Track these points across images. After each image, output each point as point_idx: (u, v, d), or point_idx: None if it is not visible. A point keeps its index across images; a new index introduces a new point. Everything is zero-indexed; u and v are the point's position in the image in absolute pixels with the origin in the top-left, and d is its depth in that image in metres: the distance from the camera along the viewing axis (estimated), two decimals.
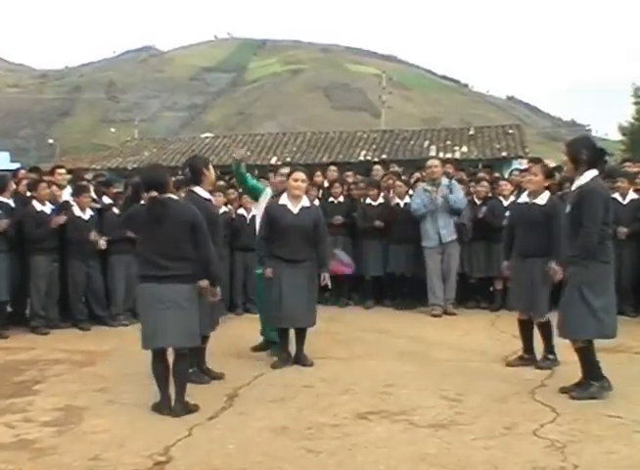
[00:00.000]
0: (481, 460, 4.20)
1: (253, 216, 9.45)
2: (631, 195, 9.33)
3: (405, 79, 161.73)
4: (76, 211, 8.84)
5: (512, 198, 9.21)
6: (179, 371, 5.24)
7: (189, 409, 5.18)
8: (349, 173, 11.91)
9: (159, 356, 5.25)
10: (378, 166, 12.31)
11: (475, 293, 10.14)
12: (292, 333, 6.77)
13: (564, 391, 5.55)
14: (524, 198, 6.78)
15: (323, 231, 6.86)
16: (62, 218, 8.56)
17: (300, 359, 6.74)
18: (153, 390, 5.46)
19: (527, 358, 6.59)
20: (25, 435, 4.78)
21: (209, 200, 6.06)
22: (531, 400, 5.46)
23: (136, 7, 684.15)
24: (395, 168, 12.41)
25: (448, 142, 26.53)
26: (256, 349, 7.22)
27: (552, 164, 12.97)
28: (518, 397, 5.55)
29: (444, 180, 9.65)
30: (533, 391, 5.69)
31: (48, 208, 8.69)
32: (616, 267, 5.78)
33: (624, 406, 5.23)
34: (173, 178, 5.80)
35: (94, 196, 9.61)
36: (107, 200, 9.65)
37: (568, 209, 5.60)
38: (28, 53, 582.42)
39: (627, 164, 11.30)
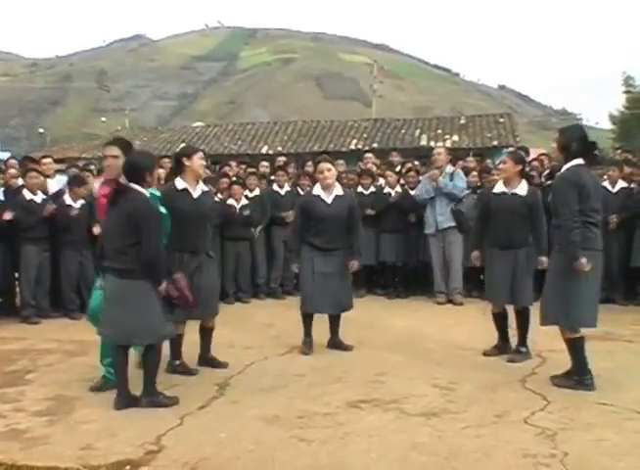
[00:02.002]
0: (473, 448, 4.21)
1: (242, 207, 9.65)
2: (620, 183, 9.38)
3: (397, 68, 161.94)
4: (67, 199, 8.81)
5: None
6: (145, 363, 5.16)
7: (158, 403, 5.06)
8: (340, 162, 11.90)
9: (117, 348, 5.15)
10: (369, 155, 12.32)
11: (465, 282, 10.15)
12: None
13: (553, 381, 5.55)
14: (499, 187, 6.67)
15: (357, 218, 6.95)
16: (51, 207, 8.53)
17: (337, 344, 6.91)
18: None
19: (503, 347, 6.63)
20: (17, 425, 4.77)
21: (184, 190, 5.95)
22: (522, 389, 5.48)
23: None
24: (395, 157, 12.38)
25: (439, 131, 26.49)
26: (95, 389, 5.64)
27: (542, 152, 12.97)
28: (509, 385, 5.57)
29: (449, 168, 9.68)
30: (524, 379, 5.71)
31: (39, 197, 8.66)
32: (604, 256, 5.76)
33: (615, 394, 5.25)
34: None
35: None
36: None
37: (549, 198, 5.65)
38: (19, 41, 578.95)
39: (617, 152, 11.38)
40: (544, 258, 6.29)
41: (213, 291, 6.20)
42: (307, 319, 6.89)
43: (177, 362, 6.05)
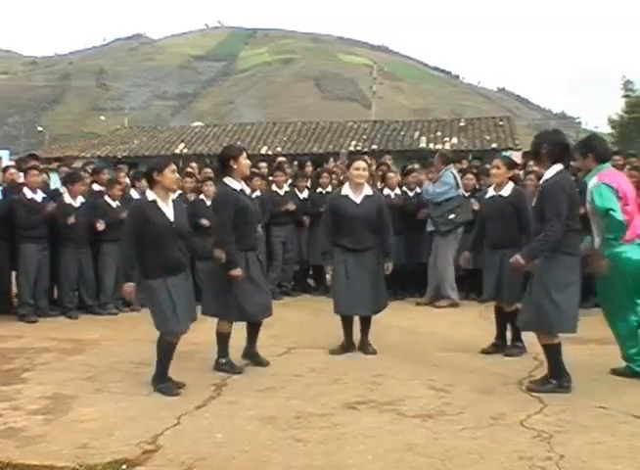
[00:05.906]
0: (469, 450, 4.22)
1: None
2: None
3: (396, 70, 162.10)
4: (67, 198, 8.78)
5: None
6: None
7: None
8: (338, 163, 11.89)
9: None
10: (365, 157, 12.31)
11: (464, 284, 10.13)
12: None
13: (528, 387, 5.54)
14: (490, 192, 6.95)
15: (387, 219, 6.87)
16: (51, 206, 8.50)
17: (364, 347, 6.82)
18: (141, 379, 5.49)
19: (500, 345, 6.70)
20: (13, 423, 4.77)
21: (241, 190, 6.08)
22: (519, 391, 5.48)
23: None
24: (388, 161, 12.40)
25: (439, 133, 26.55)
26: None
27: None
28: (505, 387, 5.57)
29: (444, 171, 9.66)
30: (521, 381, 5.71)
31: (39, 195, 8.63)
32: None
33: (611, 397, 5.26)
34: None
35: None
36: (97, 187, 9.60)
37: (533, 203, 5.64)
38: (18, 39, 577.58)
39: (616, 157, 11.34)
40: (517, 255, 6.33)
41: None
42: (344, 321, 6.81)
43: (222, 361, 6.16)
